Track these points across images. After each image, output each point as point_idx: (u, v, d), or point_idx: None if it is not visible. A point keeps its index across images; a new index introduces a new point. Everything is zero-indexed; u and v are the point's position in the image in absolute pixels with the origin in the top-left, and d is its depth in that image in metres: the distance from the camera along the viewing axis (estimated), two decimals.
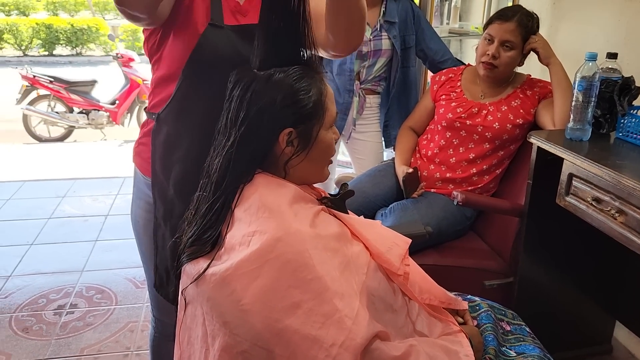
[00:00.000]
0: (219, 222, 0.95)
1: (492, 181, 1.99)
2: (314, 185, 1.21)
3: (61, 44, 11.22)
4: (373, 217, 1.97)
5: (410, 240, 1.07)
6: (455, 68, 2.12)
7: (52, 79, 5.78)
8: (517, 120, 1.88)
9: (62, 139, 5.95)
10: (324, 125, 0.99)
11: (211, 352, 0.90)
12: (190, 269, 0.94)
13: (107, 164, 4.59)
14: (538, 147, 1.65)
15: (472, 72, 2.04)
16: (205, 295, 0.90)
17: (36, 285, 2.51)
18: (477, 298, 1.36)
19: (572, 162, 1.48)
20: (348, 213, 1.10)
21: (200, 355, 0.94)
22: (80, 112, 5.87)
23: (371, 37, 2.15)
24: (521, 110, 1.89)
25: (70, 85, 5.84)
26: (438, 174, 2.00)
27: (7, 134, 5.91)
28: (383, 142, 2.36)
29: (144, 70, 6.14)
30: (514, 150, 1.96)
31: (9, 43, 11.07)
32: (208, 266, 0.91)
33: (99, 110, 5.87)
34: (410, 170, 1.97)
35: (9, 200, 3.58)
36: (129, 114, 6.01)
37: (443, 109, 2.01)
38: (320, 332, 0.85)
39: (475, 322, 1.22)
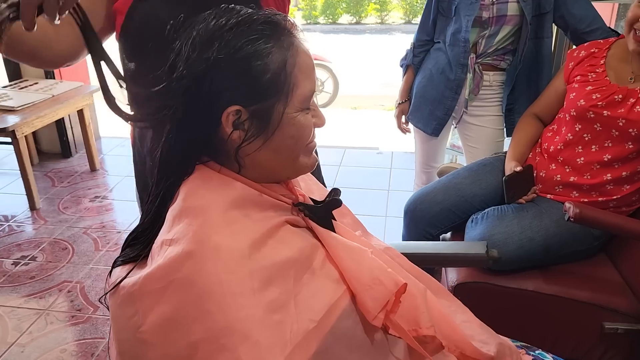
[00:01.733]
0: (155, 222, 0.77)
1: (635, 193, 1.50)
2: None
3: None
4: (465, 222, 1.62)
5: (402, 283, 0.77)
6: (602, 41, 1.61)
7: None
8: None
9: None
10: (290, 104, 0.73)
11: None
12: (115, 275, 0.78)
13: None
14: None
15: (623, 47, 1.53)
16: (112, 311, 0.73)
17: None
18: (549, 356, 1.00)
19: None
20: (333, 228, 0.83)
21: None
22: None
23: (494, 0, 1.74)
24: None
25: None
26: (559, 176, 1.56)
27: None
28: (505, 130, 1.95)
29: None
30: None
31: None
32: (126, 276, 0.73)
33: None
34: (519, 168, 1.57)
35: None
36: None
37: (574, 94, 1.55)
38: None
39: None
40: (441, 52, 1.92)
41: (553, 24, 1.82)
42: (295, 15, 11.88)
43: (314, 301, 0.71)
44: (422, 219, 1.69)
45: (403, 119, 2.11)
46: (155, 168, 0.78)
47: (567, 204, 1.36)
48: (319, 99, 6.04)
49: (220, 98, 0.71)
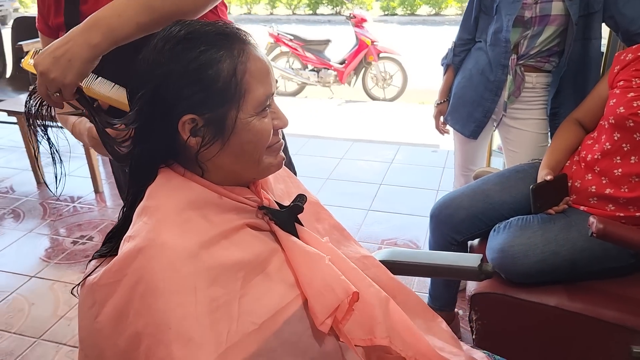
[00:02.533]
0: (126, 222, 0.81)
1: None
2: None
3: (324, 4, 12.01)
4: (490, 229, 1.56)
5: (353, 291, 0.76)
6: None
7: (292, 37, 6.19)
8: None
9: (295, 93, 6.39)
10: (244, 110, 0.75)
11: None
12: (89, 268, 0.83)
13: (381, 127, 4.46)
14: None
15: None
16: (78, 301, 0.79)
17: None
18: None
19: None
20: (296, 233, 0.84)
21: None
22: (312, 70, 6.18)
23: None
24: None
25: (306, 44, 6.17)
26: (594, 187, 1.47)
27: None
28: (549, 135, 1.85)
29: (375, 31, 6.14)
30: None
31: (282, 2, 12.33)
32: (93, 270, 0.78)
33: (328, 69, 6.09)
34: (549, 177, 1.48)
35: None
36: (355, 75, 6.10)
37: (615, 100, 1.45)
38: None
39: None
40: (482, 52, 1.85)
41: (603, 24, 1.70)
42: (373, 7, 11.78)
43: (259, 304, 0.73)
44: (446, 224, 1.65)
45: (441, 119, 2.05)
46: (127, 175, 0.83)
47: (591, 219, 1.28)
48: (386, 92, 5.98)
49: (175, 108, 0.74)
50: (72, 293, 0.81)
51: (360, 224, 2.68)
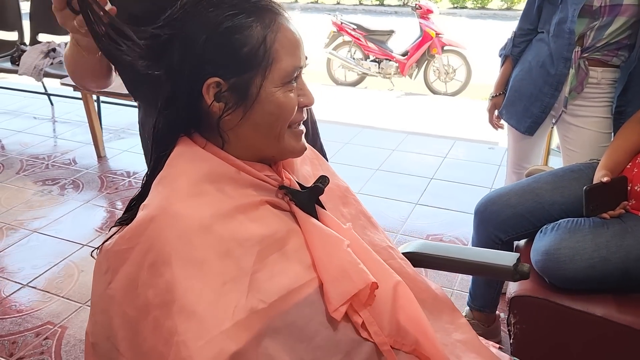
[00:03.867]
0: (147, 189, 0.81)
1: None
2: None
3: None
4: (537, 230, 1.47)
5: (372, 281, 0.73)
6: None
7: (355, 27, 6.12)
8: None
9: (355, 84, 6.33)
10: (269, 79, 0.74)
11: None
12: (110, 234, 0.84)
13: (436, 119, 4.35)
14: None
15: None
16: (94, 266, 0.79)
17: None
18: None
19: None
20: (316, 215, 0.81)
21: None
22: (373, 61, 6.10)
23: None
24: None
25: (369, 34, 6.09)
26: None
27: (310, 74, 6.61)
28: (612, 135, 1.72)
29: (442, 23, 5.98)
30: None
31: None
32: (111, 236, 0.79)
33: (390, 60, 5.99)
34: (606, 179, 1.38)
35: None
36: (417, 67, 5.97)
37: None
38: (164, 350, 0.66)
39: None
40: (543, 44, 1.74)
41: None
42: None
43: (272, 282, 0.71)
44: (491, 221, 1.57)
45: (496, 113, 1.96)
46: (151, 143, 0.82)
47: None
48: (449, 86, 5.83)
49: (200, 70, 0.73)
50: (91, 255, 0.82)
51: (406, 218, 2.62)
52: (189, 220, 0.69)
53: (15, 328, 1.95)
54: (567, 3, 1.61)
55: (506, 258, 0.97)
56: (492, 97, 1.95)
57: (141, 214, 0.72)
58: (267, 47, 0.73)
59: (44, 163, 3.33)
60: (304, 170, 0.90)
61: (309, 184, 0.85)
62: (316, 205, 0.83)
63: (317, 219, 0.81)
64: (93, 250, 0.82)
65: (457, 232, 2.44)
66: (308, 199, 0.81)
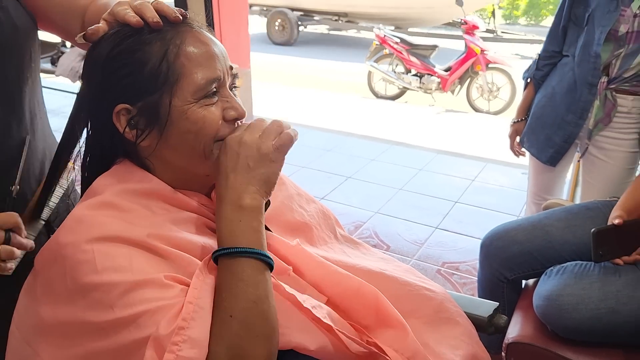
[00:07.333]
0: None
1: None
2: None
3: None
4: (543, 271, 1.35)
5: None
6: None
7: (399, 40, 6.03)
8: None
9: (395, 97, 6.23)
10: (179, 96, 0.68)
11: None
12: None
13: (469, 139, 4.16)
14: None
15: None
16: None
17: None
18: None
19: None
20: None
21: None
22: (415, 75, 5.98)
23: (638, 11, 1.41)
24: None
25: (412, 48, 5.98)
26: None
27: (352, 85, 6.56)
28: (637, 171, 1.58)
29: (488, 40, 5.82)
30: None
31: None
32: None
33: (431, 75, 5.86)
34: (618, 221, 1.25)
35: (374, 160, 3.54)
36: (459, 84, 5.82)
37: None
38: None
39: None
40: (568, 68, 1.62)
41: None
42: (495, 14, 11.22)
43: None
44: (496, 257, 1.46)
45: (517, 140, 1.84)
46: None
47: None
48: (491, 105, 5.65)
49: (105, 98, 0.69)
50: None
51: (423, 242, 2.51)
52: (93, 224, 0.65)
53: None
54: (594, 25, 1.49)
55: (482, 307, 0.88)
56: (514, 122, 1.84)
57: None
58: (170, 62, 0.68)
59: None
60: None
61: None
62: None
63: None
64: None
65: (475, 262, 2.30)
66: None
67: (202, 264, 0.65)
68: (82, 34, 0.70)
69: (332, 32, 10.31)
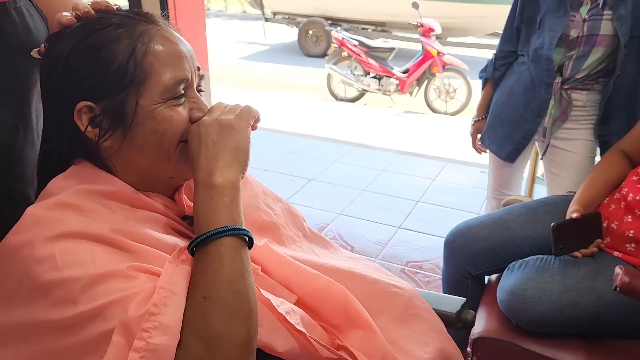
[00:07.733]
0: None
1: None
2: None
3: None
4: (506, 266, 1.38)
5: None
6: None
7: (357, 42, 6.08)
8: None
9: (354, 100, 6.28)
10: (146, 96, 0.66)
11: None
12: None
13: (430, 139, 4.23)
14: None
15: None
16: None
17: None
18: None
19: None
20: None
21: None
22: (373, 77, 6.04)
23: (586, 17, 1.46)
24: None
25: (370, 50, 6.03)
26: (632, 231, 1.26)
27: (312, 88, 6.57)
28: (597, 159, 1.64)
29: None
30: None
31: None
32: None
33: (390, 77, 5.93)
34: (575, 215, 1.29)
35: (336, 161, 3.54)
36: (417, 85, 5.91)
37: None
38: None
39: None
40: (525, 68, 1.66)
41: None
42: None
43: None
44: (459, 254, 1.48)
45: (479, 137, 1.88)
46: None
47: (617, 269, 1.09)
48: (449, 106, 5.76)
49: (67, 94, 0.66)
50: None
51: (386, 242, 2.53)
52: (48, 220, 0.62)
53: None
54: (544, 30, 1.54)
55: (449, 303, 0.89)
56: (475, 121, 1.87)
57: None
58: (137, 61, 0.66)
59: None
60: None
61: None
62: None
63: None
64: None
65: (438, 260, 2.34)
66: None
67: (176, 252, 0.63)
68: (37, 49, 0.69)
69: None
